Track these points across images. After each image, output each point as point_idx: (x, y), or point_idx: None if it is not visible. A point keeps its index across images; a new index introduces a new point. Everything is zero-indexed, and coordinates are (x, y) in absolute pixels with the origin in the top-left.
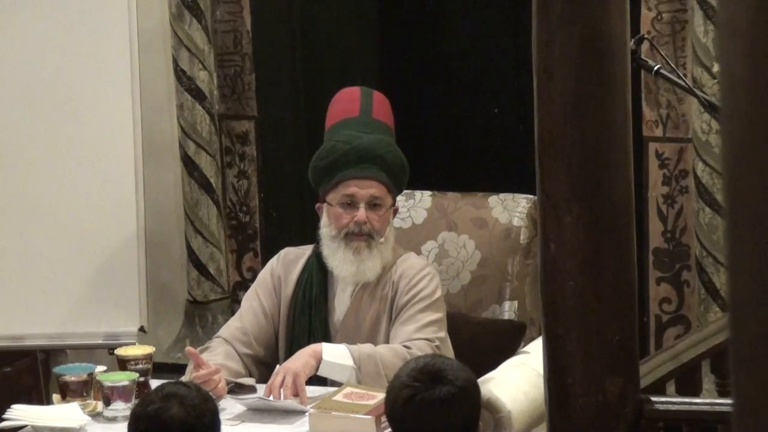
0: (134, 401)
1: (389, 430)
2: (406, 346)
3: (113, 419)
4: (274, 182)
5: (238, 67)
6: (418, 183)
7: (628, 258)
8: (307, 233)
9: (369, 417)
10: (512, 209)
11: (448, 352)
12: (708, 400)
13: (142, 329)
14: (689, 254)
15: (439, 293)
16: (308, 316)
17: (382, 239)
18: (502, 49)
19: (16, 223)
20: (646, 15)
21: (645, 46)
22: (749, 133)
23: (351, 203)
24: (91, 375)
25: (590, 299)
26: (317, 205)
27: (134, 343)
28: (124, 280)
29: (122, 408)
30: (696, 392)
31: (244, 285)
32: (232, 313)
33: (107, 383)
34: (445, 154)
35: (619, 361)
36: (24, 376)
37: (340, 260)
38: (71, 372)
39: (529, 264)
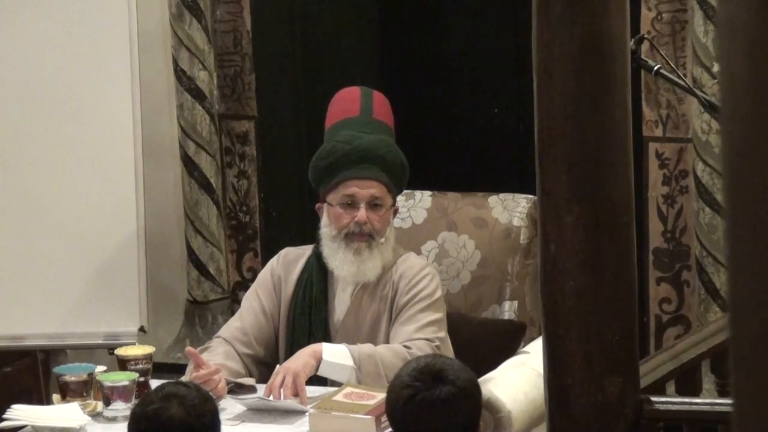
0: (134, 401)
1: (389, 430)
2: (406, 346)
3: (113, 419)
4: (274, 182)
5: (238, 67)
6: (418, 183)
7: (628, 258)
8: (307, 233)
9: (369, 417)
10: (512, 209)
11: (448, 352)
12: (708, 400)
13: (142, 329)
14: (689, 254)
15: (439, 293)
16: (308, 316)
17: (383, 239)
18: (502, 49)
19: (16, 223)
20: (646, 15)
21: (645, 46)
22: (749, 133)
23: (351, 203)
24: (91, 375)
25: (590, 299)
26: (317, 205)
27: (134, 343)
28: (124, 280)
29: (122, 408)
30: (696, 392)
31: (244, 285)
32: (232, 313)
33: (107, 383)
34: (445, 154)
35: (619, 361)
36: (24, 376)
37: (340, 260)
38: (71, 372)
39: (529, 264)
